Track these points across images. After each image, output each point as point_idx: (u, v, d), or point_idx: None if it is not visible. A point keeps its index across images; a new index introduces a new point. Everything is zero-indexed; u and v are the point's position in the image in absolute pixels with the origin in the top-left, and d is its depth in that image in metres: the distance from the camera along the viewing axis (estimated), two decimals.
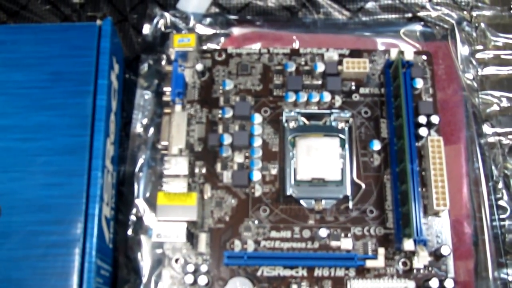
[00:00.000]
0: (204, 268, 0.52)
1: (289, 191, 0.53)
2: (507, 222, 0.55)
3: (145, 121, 0.58)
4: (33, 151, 0.50)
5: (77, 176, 0.49)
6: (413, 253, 0.52)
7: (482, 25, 0.61)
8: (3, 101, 0.51)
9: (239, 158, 0.56)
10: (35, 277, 0.46)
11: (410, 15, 0.62)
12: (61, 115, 0.51)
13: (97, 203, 0.49)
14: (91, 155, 0.50)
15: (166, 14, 0.62)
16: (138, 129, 0.58)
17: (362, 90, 0.59)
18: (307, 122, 0.57)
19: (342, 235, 0.53)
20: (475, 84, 0.59)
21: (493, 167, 0.57)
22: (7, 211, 0.48)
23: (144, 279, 0.53)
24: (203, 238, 0.53)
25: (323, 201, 0.54)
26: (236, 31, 0.62)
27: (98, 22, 0.54)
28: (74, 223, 0.48)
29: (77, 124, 0.51)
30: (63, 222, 0.48)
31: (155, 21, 0.62)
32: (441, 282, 0.50)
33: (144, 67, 0.60)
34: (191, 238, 0.53)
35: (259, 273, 0.52)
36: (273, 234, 0.53)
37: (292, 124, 0.56)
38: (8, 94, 0.51)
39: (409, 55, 0.56)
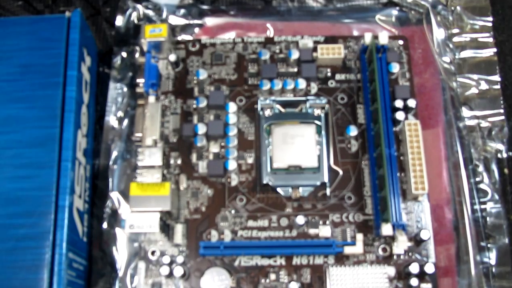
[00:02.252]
0: (180, 259, 0.51)
1: (266, 180, 0.53)
2: (488, 206, 0.54)
3: (119, 113, 0.58)
4: (2, 144, 0.49)
5: (47, 168, 0.49)
6: (392, 238, 0.51)
7: (458, 8, 0.61)
8: None
9: (214, 148, 0.55)
10: (4, 270, 0.46)
11: (385, 0, 0.61)
12: (30, 107, 0.50)
13: (67, 195, 0.48)
14: (61, 147, 0.50)
15: (139, 6, 0.62)
16: (112, 121, 0.57)
17: (338, 77, 0.58)
18: (282, 110, 0.56)
19: (320, 222, 0.52)
20: (453, 68, 0.59)
21: (472, 150, 0.56)
22: None
23: (120, 273, 0.52)
24: (179, 229, 0.52)
25: (300, 189, 0.53)
26: (210, 21, 0.62)
27: (67, 13, 0.54)
28: (45, 215, 0.47)
29: (47, 116, 0.50)
30: (33, 214, 0.47)
31: (127, 13, 0.61)
32: (422, 267, 0.49)
33: (117, 60, 0.59)
34: (167, 229, 0.52)
35: (236, 263, 0.51)
36: (250, 223, 0.53)
37: (267, 112, 0.55)
38: None
39: (383, 40, 0.56)
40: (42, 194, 0.48)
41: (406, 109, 0.55)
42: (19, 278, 0.45)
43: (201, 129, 0.55)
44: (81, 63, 0.53)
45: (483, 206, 0.55)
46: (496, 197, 0.55)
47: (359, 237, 0.51)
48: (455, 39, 0.60)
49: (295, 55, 0.57)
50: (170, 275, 0.50)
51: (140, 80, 0.56)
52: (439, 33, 0.60)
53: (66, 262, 0.47)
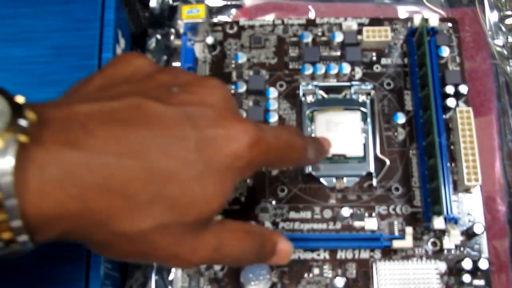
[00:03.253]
0: None
1: (308, 169, 0.50)
2: None
3: None
4: None
5: None
6: (443, 232, 0.48)
7: None
8: (3, 78, 0.48)
9: None
10: (40, 262, 0.43)
11: None
12: (64, 91, 0.48)
13: None
14: None
15: None
16: None
17: (383, 61, 0.55)
18: (325, 96, 0.53)
19: (366, 214, 0.50)
20: (506, 52, 0.55)
21: None
22: None
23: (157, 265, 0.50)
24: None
25: (345, 179, 0.50)
26: (248, 2, 0.59)
27: None
28: None
29: None
30: None
31: None
32: (475, 263, 0.47)
33: (152, 42, 0.57)
34: None
35: None
36: (292, 215, 0.50)
37: (309, 98, 0.53)
38: (8, 71, 0.48)
39: (434, 22, 0.52)
40: None
41: (457, 95, 0.52)
42: (54, 271, 0.43)
43: None
44: (115, 46, 0.51)
45: None
46: None
47: (409, 230, 0.48)
48: (508, 21, 0.57)
49: (338, 38, 0.54)
50: (209, 267, 0.48)
51: (176, 64, 0.54)
52: (491, 15, 0.57)
53: None
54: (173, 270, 0.49)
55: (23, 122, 0.26)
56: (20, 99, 0.27)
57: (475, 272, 0.47)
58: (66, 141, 0.27)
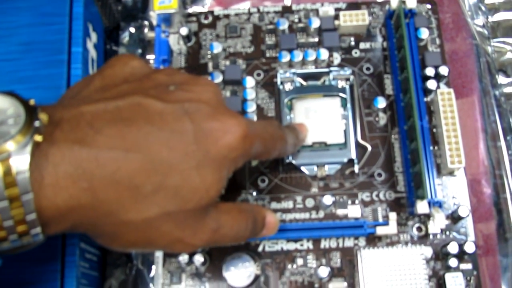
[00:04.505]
0: None
1: (289, 158, 0.49)
2: None
3: None
4: None
5: None
6: (428, 216, 0.47)
7: None
8: None
9: None
10: (11, 263, 0.42)
11: None
12: (34, 87, 0.46)
13: None
14: None
15: None
16: None
17: (362, 45, 0.54)
18: (304, 83, 0.52)
19: (349, 202, 0.49)
20: (486, 32, 0.54)
21: (511, 120, 0.52)
22: None
23: (138, 262, 0.49)
24: None
25: (326, 167, 0.49)
26: None
27: None
28: None
29: (51, 97, 0.46)
30: None
31: None
32: (461, 247, 0.46)
33: (126, 36, 0.56)
34: None
35: (260, 249, 0.48)
36: (274, 205, 0.49)
37: (288, 86, 0.52)
38: None
39: (411, 4, 0.51)
40: None
41: (437, 77, 0.51)
42: (28, 272, 0.42)
43: None
44: (86, 39, 0.50)
45: None
46: None
47: (392, 216, 0.47)
48: (487, 0, 0.56)
49: (315, 23, 0.53)
50: (190, 263, 0.47)
51: (150, 57, 0.53)
52: None
53: (79, 253, 0.43)
54: (153, 266, 0.48)
55: (37, 123, 0.29)
56: (32, 101, 0.30)
57: (461, 256, 0.46)
58: (76, 139, 0.30)
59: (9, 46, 0.48)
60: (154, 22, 0.53)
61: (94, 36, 0.52)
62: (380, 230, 0.47)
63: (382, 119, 0.51)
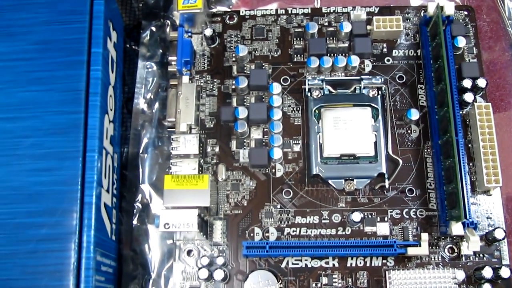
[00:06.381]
0: (220, 260, 0.45)
1: (315, 170, 0.47)
2: None
3: (149, 95, 0.52)
4: (19, 132, 0.44)
5: (70, 159, 0.43)
6: (461, 238, 0.45)
7: None
8: None
9: (256, 134, 0.49)
10: (25, 276, 0.40)
11: None
12: (50, 90, 0.44)
13: (94, 190, 0.43)
14: (86, 135, 0.44)
15: None
16: (142, 104, 0.52)
17: (395, 53, 0.51)
18: (333, 91, 0.50)
19: (378, 219, 0.47)
20: None
21: None
22: None
23: (153, 275, 0.47)
24: (218, 226, 0.47)
25: (355, 181, 0.47)
26: None
27: None
28: (68, 213, 0.42)
29: (69, 100, 0.44)
30: (55, 212, 0.42)
31: None
32: (496, 271, 0.43)
33: (146, 35, 0.54)
34: (205, 226, 0.46)
35: (283, 265, 0.46)
36: (298, 220, 0.47)
37: (316, 94, 0.49)
38: None
39: (449, 10, 0.49)
40: (66, 189, 0.42)
41: (474, 89, 0.48)
42: (41, 285, 0.40)
43: (242, 113, 0.49)
44: (107, 39, 0.47)
45: None
46: None
47: (424, 237, 0.44)
48: None
49: (347, 28, 0.51)
50: (210, 278, 0.45)
51: (172, 58, 0.51)
52: (510, 3, 0.53)
53: (94, 266, 0.41)
54: (170, 281, 0.46)
55: None
56: None
57: (496, 281, 0.44)
58: None
59: (24, 44, 0.46)
60: (177, 22, 0.51)
61: (114, 35, 0.50)
62: (412, 251, 0.44)
63: (415, 132, 0.49)
